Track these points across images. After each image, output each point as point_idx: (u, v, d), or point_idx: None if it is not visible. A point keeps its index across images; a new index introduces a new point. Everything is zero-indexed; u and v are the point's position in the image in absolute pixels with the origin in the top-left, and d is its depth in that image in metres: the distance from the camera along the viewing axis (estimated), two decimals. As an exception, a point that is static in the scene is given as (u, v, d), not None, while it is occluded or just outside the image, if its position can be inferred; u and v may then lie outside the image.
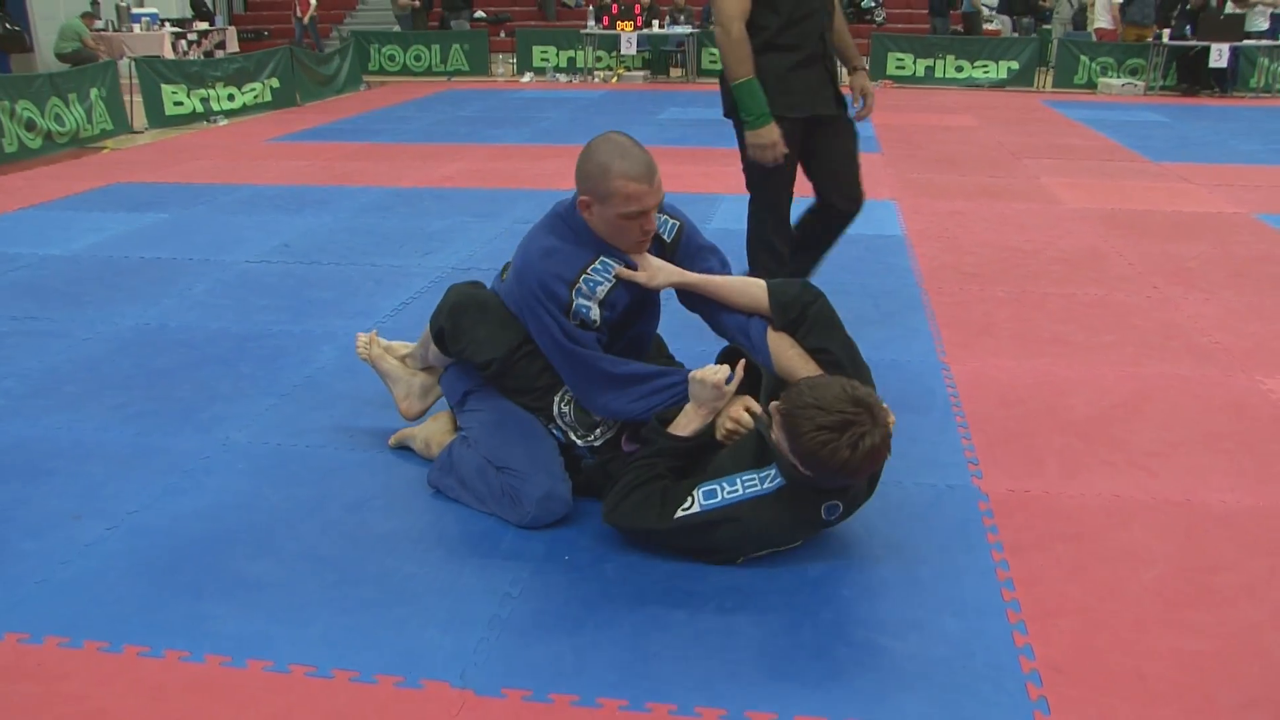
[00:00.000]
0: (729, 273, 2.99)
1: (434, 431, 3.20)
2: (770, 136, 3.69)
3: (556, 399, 2.87)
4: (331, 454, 3.29)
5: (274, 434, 3.43)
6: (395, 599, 2.51)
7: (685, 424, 2.70)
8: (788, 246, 4.09)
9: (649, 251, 2.84)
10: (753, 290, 2.83)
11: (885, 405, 2.48)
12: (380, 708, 2.13)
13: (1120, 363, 3.98)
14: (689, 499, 2.57)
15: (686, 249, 2.95)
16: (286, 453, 3.30)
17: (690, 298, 2.95)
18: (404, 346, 3.40)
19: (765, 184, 3.94)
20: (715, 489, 2.56)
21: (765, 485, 2.55)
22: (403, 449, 3.30)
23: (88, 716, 2.12)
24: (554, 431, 2.89)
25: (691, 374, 2.70)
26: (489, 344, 2.85)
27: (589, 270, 2.75)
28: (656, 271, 2.81)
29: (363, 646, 2.32)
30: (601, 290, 2.74)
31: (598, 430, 2.85)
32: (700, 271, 2.91)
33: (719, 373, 2.67)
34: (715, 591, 2.52)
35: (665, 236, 2.91)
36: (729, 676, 2.22)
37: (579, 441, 2.86)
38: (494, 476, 2.84)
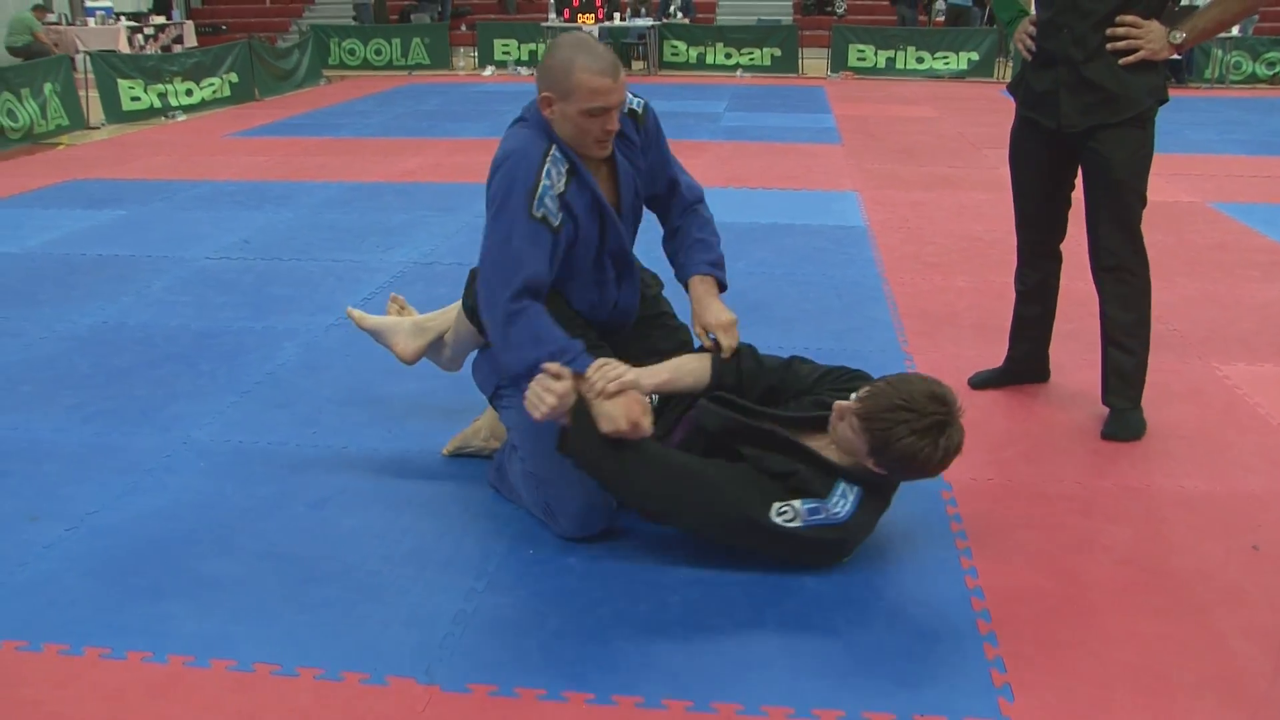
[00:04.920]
0: (693, 195, 2.97)
1: (491, 420, 3.15)
2: (1016, 34, 3.37)
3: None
4: (293, 451, 3.27)
5: (235, 432, 3.40)
6: (359, 596, 2.49)
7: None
8: (1021, 286, 3.64)
9: (626, 140, 2.83)
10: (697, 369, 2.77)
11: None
12: (346, 705, 2.12)
13: (1079, 350, 4.02)
14: (787, 510, 2.49)
15: (657, 136, 2.93)
16: (248, 451, 3.27)
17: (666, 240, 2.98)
18: (426, 318, 3.30)
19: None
20: (819, 507, 2.50)
21: (851, 498, 2.51)
22: (459, 456, 3.23)
23: (47, 720, 2.10)
24: None
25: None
26: None
27: (551, 154, 2.67)
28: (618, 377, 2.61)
29: (327, 644, 2.31)
30: (560, 183, 2.67)
31: None
32: (669, 178, 2.95)
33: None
34: (680, 583, 2.53)
35: (636, 108, 2.87)
36: (694, 668, 2.23)
37: None
38: (535, 488, 2.79)
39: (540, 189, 2.62)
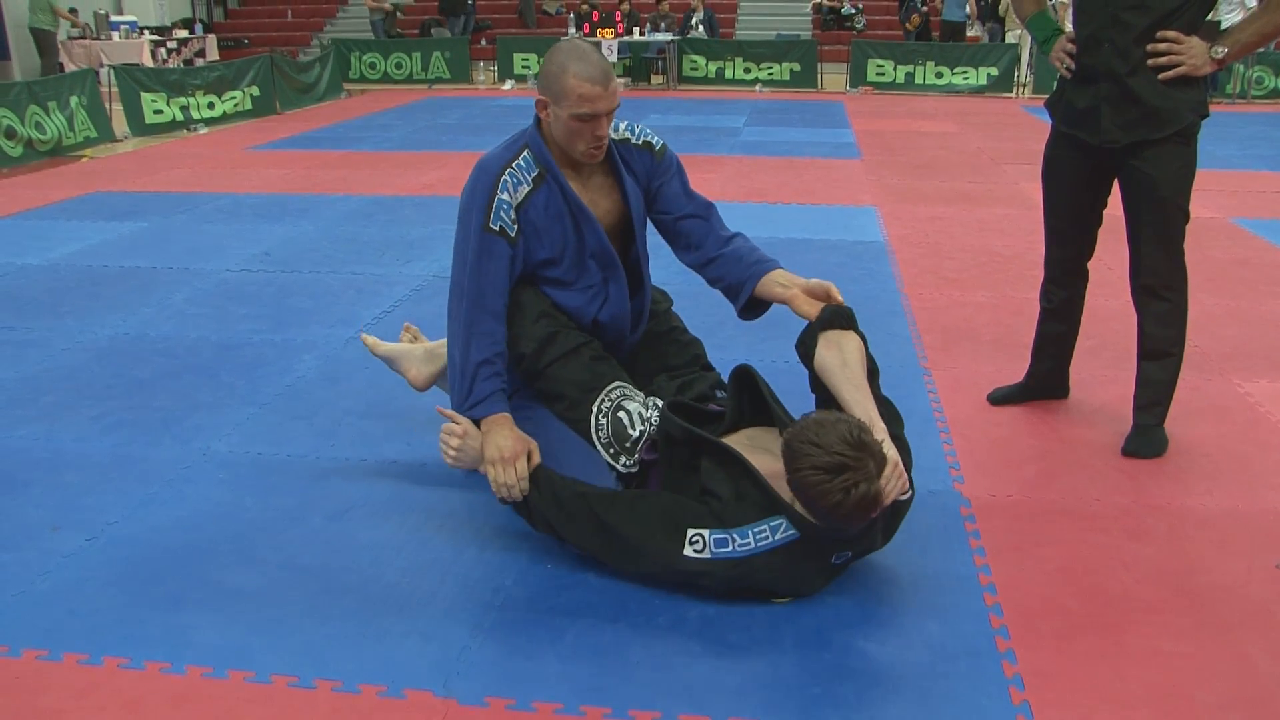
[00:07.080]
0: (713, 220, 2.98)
1: None
2: (1053, 52, 3.31)
3: (594, 408, 2.76)
4: (313, 463, 3.28)
5: (255, 443, 3.42)
6: (378, 608, 2.50)
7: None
8: (1047, 303, 3.61)
9: (633, 161, 2.89)
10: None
11: (895, 461, 2.38)
12: (363, 717, 2.12)
13: (1100, 367, 4.01)
14: (699, 539, 2.45)
15: (675, 170, 2.96)
16: (267, 462, 3.29)
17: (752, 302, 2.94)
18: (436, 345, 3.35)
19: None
20: (727, 539, 2.42)
21: (777, 537, 2.40)
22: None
23: (67, 729, 2.10)
24: (598, 449, 2.77)
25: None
26: (520, 339, 2.82)
27: (513, 165, 2.78)
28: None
29: (345, 656, 2.31)
30: (519, 193, 2.77)
31: (637, 455, 2.72)
32: (702, 202, 2.99)
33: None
34: (696, 599, 2.51)
35: (654, 144, 2.93)
36: (711, 683, 2.22)
37: (619, 468, 2.73)
38: None
39: (495, 203, 2.74)
